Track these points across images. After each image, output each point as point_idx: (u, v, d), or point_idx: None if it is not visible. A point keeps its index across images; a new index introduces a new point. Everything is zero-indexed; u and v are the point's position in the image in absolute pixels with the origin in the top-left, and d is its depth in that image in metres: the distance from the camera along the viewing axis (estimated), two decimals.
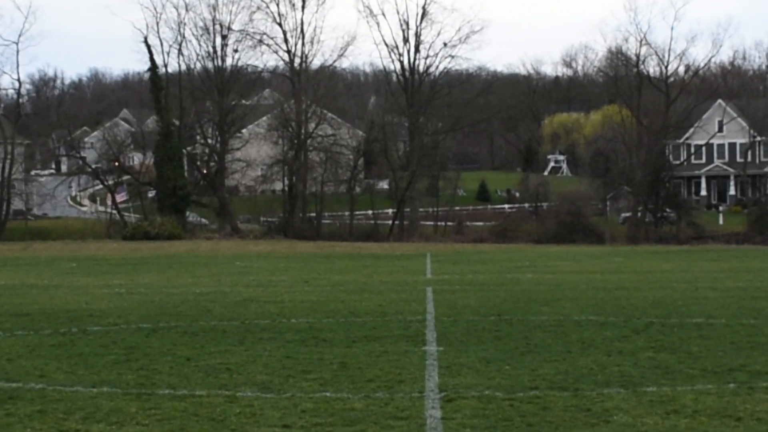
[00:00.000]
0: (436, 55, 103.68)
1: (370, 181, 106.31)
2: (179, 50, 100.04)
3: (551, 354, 18.28)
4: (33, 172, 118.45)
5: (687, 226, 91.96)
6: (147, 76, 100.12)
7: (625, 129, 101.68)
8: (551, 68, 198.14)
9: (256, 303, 29.86)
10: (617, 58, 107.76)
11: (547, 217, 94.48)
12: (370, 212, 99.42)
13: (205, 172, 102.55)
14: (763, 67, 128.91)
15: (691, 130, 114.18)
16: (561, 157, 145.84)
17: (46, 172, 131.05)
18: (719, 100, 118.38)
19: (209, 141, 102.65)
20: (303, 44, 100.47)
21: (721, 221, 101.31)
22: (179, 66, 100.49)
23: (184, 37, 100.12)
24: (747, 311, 26.06)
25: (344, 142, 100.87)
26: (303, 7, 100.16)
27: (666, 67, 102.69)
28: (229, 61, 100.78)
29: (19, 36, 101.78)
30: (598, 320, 24.05)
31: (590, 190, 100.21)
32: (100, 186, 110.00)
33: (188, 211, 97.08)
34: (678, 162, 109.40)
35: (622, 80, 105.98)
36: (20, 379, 16.14)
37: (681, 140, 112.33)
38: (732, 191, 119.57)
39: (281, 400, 14.01)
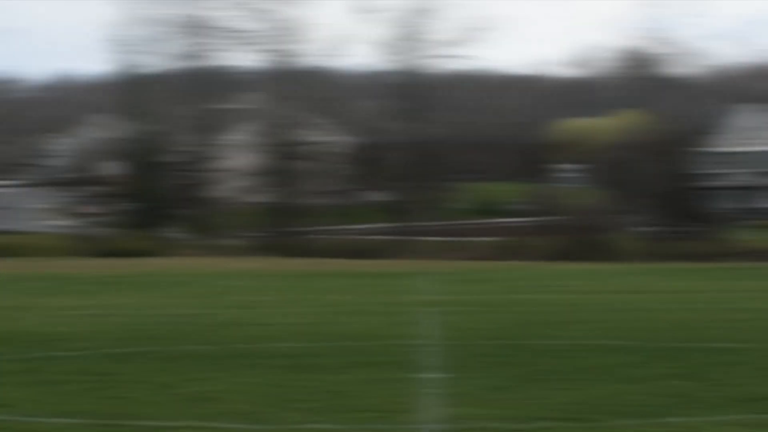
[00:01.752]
0: (436, 55, 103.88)
1: (364, 192, 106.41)
2: (156, 49, 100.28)
3: (563, 382, 18.30)
4: None
5: (711, 241, 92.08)
6: (121, 77, 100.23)
7: (643, 136, 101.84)
8: (562, 69, 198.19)
9: (240, 326, 29.87)
10: (634, 58, 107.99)
11: (559, 232, 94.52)
12: (364, 226, 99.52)
13: (184, 182, 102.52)
14: None
15: (716, 136, 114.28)
16: (573, 167, 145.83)
17: (7, 182, 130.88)
18: (746, 105, 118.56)
19: (189, 149, 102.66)
20: (292, 43, 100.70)
21: (749, 236, 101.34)
22: (156, 66, 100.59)
23: (161, 34, 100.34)
24: None
25: (336, 150, 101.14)
26: (292, 2, 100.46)
27: (687, 69, 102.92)
28: (210, 61, 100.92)
29: None
30: (614, 345, 24.07)
31: (606, 202, 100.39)
32: (69, 198, 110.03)
33: (165, 226, 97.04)
34: (701, 172, 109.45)
35: (640, 82, 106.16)
36: None
37: (705, 148, 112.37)
38: (761, 204, 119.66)
39: None
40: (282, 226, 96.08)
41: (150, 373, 19.94)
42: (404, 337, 26.12)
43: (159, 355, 22.95)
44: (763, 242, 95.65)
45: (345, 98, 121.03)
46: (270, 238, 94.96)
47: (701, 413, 15.08)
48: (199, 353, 23.18)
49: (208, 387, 18.05)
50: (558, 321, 30.36)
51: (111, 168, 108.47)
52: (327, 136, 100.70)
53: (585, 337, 25.68)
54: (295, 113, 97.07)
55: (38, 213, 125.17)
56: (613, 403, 16.05)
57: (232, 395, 17.16)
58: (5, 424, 14.81)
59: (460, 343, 24.57)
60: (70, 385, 18.38)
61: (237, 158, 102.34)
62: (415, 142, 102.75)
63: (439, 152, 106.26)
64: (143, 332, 28.11)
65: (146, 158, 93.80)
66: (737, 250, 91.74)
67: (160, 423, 14.77)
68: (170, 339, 26.27)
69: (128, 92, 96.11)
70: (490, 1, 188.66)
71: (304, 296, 44.05)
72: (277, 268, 74.96)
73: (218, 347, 24.29)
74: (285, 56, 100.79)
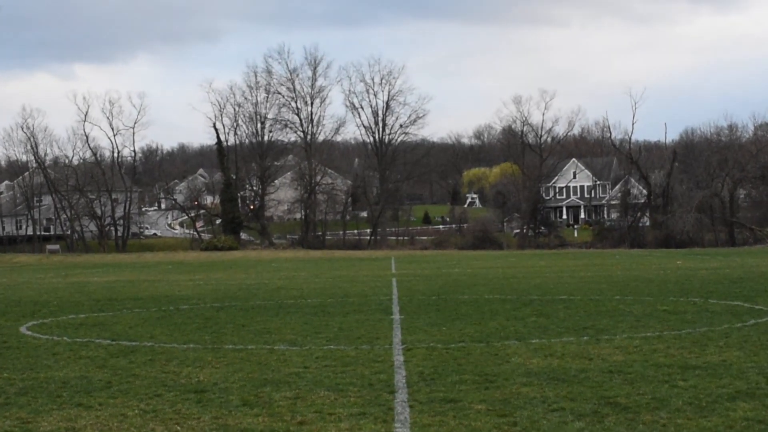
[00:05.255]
0: (396, 132, 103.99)
1: (355, 212, 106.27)
2: (235, 131, 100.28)
3: (471, 319, 18.27)
4: (143, 208, 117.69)
5: (554, 237, 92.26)
6: (215, 147, 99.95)
7: (514, 177, 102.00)
8: (467, 139, 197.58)
9: (285, 289, 29.81)
10: (509, 132, 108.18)
11: (467, 233, 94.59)
12: (355, 231, 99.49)
13: (251, 207, 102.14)
14: (600, 138, 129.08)
15: (556, 177, 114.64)
16: (475, 195, 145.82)
17: (152, 208, 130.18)
18: (573, 159, 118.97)
19: (254, 188, 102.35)
20: (312, 126, 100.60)
21: (575, 234, 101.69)
22: (235, 141, 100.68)
23: (237, 123, 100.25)
24: (593, 291, 26.16)
25: (339, 188, 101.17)
26: (312, 104, 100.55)
27: (540, 138, 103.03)
28: (266, 138, 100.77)
29: (135, 124, 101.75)
30: (500, 297, 24.08)
31: (493, 216, 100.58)
32: (186, 216, 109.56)
33: (242, 232, 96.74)
34: (548, 197, 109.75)
35: (513, 146, 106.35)
36: (137, 339, 16.01)
37: (550, 184, 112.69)
38: (583, 215, 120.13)
39: (302, 351, 13.95)
40: (308, 231, 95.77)
41: (234, 317, 19.87)
42: (380, 295, 26.10)
43: (239, 306, 22.87)
44: (584, 238, 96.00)
45: (344, 157, 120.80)
46: (302, 239, 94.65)
47: (552, 337, 15.07)
48: (263, 305, 23.11)
49: (268, 325, 17.99)
50: (467, 284, 30.36)
51: (210, 199, 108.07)
52: (334, 180, 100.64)
53: (483, 293, 25.69)
54: (315, 167, 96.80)
55: (169, 225, 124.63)
56: (500, 331, 16.02)
57: (282, 329, 17.09)
58: (151, 348, 14.72)
59: (412, 298, 24.55)
60: (188, 325, 18.30)
61: (282, 193, 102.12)
62: (384, 182, 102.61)
63: (398, 188, 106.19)
64: (229, 293, 28.02)
65: (230, 193, 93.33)
66: (569, 242, 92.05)
67: (242, 346, 14.70)
68: (245, 297, 26.18)
69: (220, 155, 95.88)
70: (426, 98, 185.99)
71: (322, 272, 44.00)
72: (307, 256, 74.87)
73: (273, 302, 24.21)
74: (309, 134, 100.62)
